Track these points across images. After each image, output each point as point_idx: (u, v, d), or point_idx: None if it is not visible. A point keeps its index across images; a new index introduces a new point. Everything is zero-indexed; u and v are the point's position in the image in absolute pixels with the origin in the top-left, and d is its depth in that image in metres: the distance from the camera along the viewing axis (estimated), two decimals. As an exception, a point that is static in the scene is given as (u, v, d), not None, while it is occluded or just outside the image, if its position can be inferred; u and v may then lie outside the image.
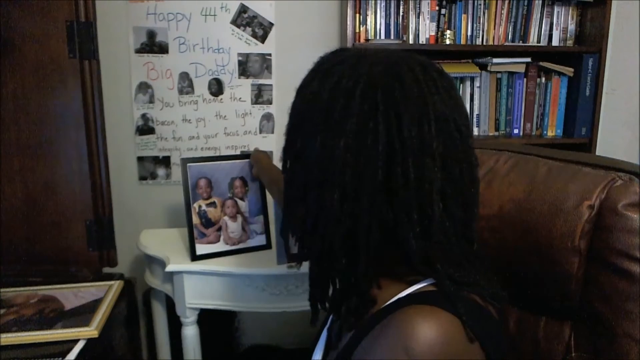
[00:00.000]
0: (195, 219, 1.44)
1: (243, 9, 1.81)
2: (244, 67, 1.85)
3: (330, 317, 0.71)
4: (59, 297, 1.34)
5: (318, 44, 1.88)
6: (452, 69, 1.77)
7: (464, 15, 1.80)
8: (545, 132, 1.87)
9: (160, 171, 1.88)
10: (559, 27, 1.86)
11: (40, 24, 1.42)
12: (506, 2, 1.81)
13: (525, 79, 1.82)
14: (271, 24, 1.83)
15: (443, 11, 1.80)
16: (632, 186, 0.61)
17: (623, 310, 0.60)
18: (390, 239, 0.55)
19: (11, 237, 1.51)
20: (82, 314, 1.24)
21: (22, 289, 1.38)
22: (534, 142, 1.82)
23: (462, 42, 1.81)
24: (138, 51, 1.79)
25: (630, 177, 0.62)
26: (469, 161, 0.58)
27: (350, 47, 1.66)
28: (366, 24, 1.78)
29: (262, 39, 1.84)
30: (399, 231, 0.54)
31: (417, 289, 0.57)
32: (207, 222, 1.46)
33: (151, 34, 1.78)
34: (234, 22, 1.81)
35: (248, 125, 1.89)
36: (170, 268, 1.41)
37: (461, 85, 1.81)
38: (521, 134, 1.86)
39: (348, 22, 1.69)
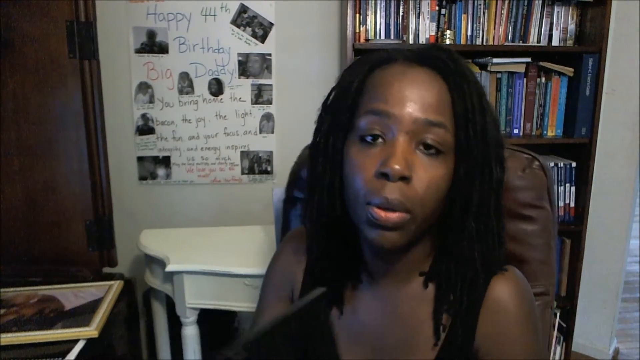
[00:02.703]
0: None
1: (243, 9, 1.81)
2: (244, 67, 1.85)
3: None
4: (59, 297, 1.34)
5: (318, 44, 1.88)
6: (452, 69, 1.76)
7: (464, 15, 1.80)
8: (545, 132, 1.87)
9: (160, 171, 1.88)
10: (559, 27, 1.86)
11: (40, 24, 1.42)
12: (506, 2, 1.81)
13: (525, 79, 1.82)
14: (271, 24, 1.83)
15: (443, 11, 1.80)
16: (522, 159, 0.87)
17: (527, 243, 0.85)
18: None
19: (11, 237, 1.50)
20: (82, 314, 1.24)
21: (22, 289, 1.38)
22: (534, 142, 1.82)
23: (462, 42, 1.81)
24: (138, 51, 1.79)
25: (529, 154, 0.88)
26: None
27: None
28: (366, 24, 1.78)
29: (262, 39, 1.84)
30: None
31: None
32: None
33: (151, 34, 1.78)
34: (234, 22, 1.81)
35: (248, 125, 1.89)
36: (170, 268, 1.41)
37: (461, 85, 1.81)
38: (521, 133, 1.86)
39: (348, 22, 1.69)
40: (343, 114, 0.62)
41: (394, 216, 0.56)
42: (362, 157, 0.58)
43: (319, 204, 0.65)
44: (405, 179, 0.55)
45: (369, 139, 0.58)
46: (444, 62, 0.60)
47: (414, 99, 0.57)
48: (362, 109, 0.60)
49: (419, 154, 0.57)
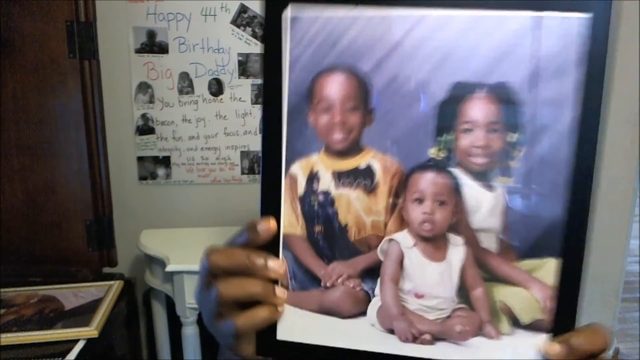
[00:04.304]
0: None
1: (243, 9, 1.81)
2: (244, 67, 1.85)
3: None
4: (59, 297, 1.34)
5: (318, 44, 1.88)
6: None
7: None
8: (545, 132, 1.87)
9: (160, 171, 1.88)
10: (559, 27, 1.86)
11: (40, 24, 1.42)
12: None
13: (525, 79, 1.82)
14: (271, 24, 1.84)
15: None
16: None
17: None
18: None
19: (11, 237, 1.51)
20: (82, 314, 1.24)
21: (22, 289, 1.38)
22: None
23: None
24: (138, 51, 1.79)
25: None
26: None
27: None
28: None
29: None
30: None
31: None
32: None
33: (151, 34, 1.78)
34: (234, 22, 1.81)
35: (248, 125, 1.89)
36: (170, 268, 1.41)
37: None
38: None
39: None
40: None
41: None
42: None
43: None
44: None
45: None
46: None
47: None
48: None
49: None
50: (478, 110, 0.42)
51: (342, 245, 0.45)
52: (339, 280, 0.45)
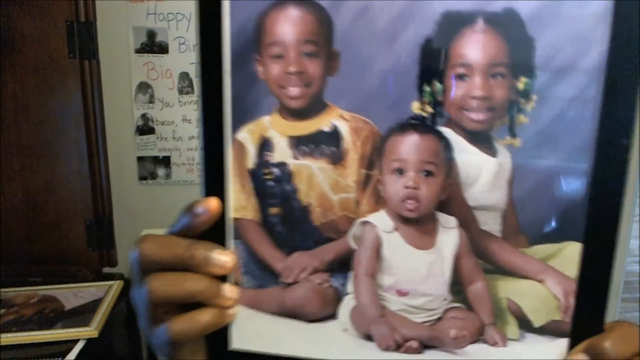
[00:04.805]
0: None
1: (243, 9, 1.81)
2: (244, 67, 1.85)
3: None
4: (59, 297, 1.34)
5: (318, 44, 1.88)
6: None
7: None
8: (545, 132, 1.87)
9: (160, 171, 1.88)
10: (559, 27, 1.86)
11: (40, 24, 1.42)
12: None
13: (525, 79, 1.82)
14: (271, 24, 1.84)
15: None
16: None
17: None
18: None
19: (11, 237, 1.51)
20: (82, 314, 1.24)
21: (22, 289, 1.38)
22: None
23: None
24: (138, 51, 1.79)
25: None
26: None
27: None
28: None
29: (262, 39, 1.84)
30: None
31: None
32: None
33: (151, 34, 1.79)
34: (234, 22, 1.82)
35: (248, 125, 1.90)
36: (170, 268, 1.41)
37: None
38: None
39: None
40: None
41: None
42: None
43: None
44: None
45: None
46: None
47: None
48: None
49: None
50: (475, 48, 0.31)
51: (305, 230, 0.36)
52: (302, 275, 0.37)
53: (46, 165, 1.50)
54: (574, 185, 0.31)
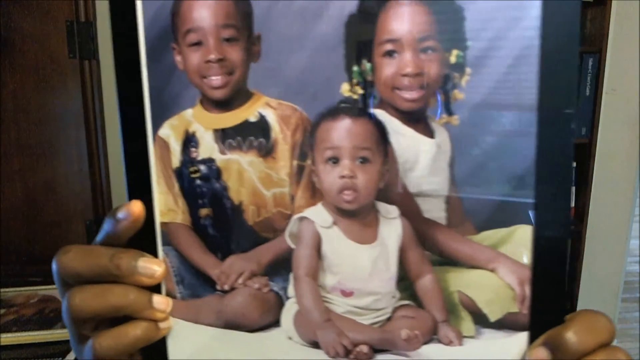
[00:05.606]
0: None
1: (243, 9, 1.81)
2: (244, 67, 1.85)
3: None
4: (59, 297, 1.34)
5: (318, 44, 1.88)
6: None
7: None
8: (545, 132, 1.87)
9: (160, 171, 1.89)
10: (559, 27, 1.85)
11: (40, 24, 1.42)
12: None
13: (525, 79, 1.82)
14: (271, 24, 1.84)
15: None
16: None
17: None
18: None
19: (11, 237, 1.51)
20: (82, 314, 1.24)
21: (22, 289, 1.38)
22: (534, 142, 1.81)
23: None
24: (138, 51, 1.79)
25: None
26: None
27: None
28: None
29: (262, 39, 1.84)
30: None
31: None
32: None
33: (151, 34, 1.79)
34: (234, 22, 1.82)
35: (248, 125, 1.90)
36: (170, 268, 1.40)
37: (461, 85, 1.81)
38: (521, 134, 1.86)
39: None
40: None
41: None
42: None
43: None
44: None
45: None
46: None
47: None
48: None
49: None
50: (402, 20, 0.29)
51: (239, 231, 0.33)
52: (240, 281, 0.34)
53: (46, 165, 1.50)
54: (519, 162, 0.28)
